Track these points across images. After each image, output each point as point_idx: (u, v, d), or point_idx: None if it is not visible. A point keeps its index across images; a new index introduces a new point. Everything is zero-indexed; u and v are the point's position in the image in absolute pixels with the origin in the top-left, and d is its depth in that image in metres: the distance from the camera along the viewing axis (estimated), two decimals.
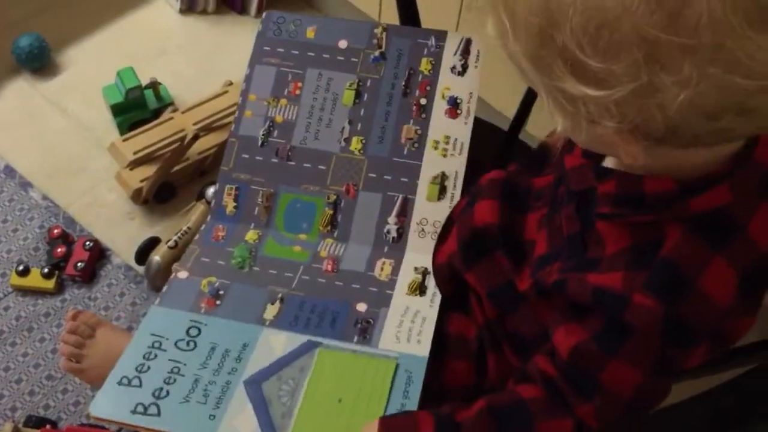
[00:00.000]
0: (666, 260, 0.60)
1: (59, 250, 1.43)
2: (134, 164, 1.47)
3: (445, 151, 0.95)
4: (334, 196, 0.95)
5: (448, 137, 0.95)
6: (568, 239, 0.70)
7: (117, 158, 1.46)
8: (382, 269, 0.92)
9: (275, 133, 0.97)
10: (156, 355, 0.81)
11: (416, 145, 0.95)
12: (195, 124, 1.48)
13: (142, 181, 1.49)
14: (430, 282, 0.90)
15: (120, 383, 0.78)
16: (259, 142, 0.97)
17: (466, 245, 0.83)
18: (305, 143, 0.96)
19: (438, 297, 0.88)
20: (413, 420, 0.71)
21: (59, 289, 1.41)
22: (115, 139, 1.48)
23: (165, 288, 0.90)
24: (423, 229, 0.93)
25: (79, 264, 1.41)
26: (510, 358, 0.80)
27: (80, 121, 1.65)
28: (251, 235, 0.95)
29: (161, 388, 0.78)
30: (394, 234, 0.94)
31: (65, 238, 1.45)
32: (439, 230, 0.91)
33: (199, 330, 0.84)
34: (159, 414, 0.76)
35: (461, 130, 0.95)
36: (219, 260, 0.93)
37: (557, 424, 0.67)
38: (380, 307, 0.88)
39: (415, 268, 0.91)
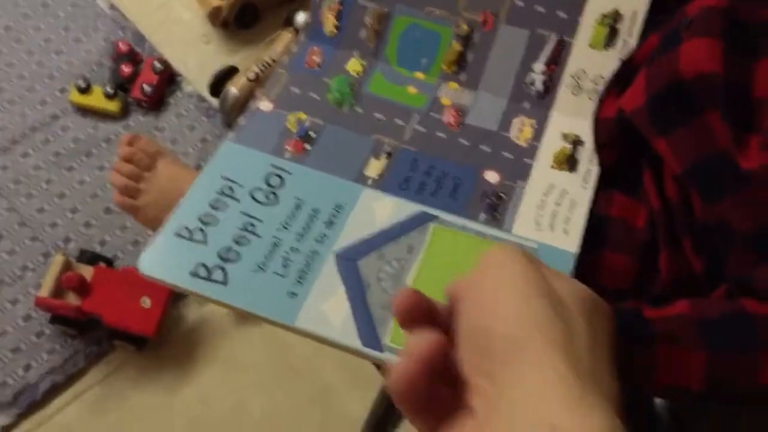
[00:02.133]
0: None
1: (125, 68, 1.26)
2: None
3: None
4: (466, 28, 0.74)
5: None
6: None
7: None
8: (520, 131, 0.72)
9: None
10: (227, 205, 0.65)
11: None
12: None
13: None
14: (583, 155, 0.69)
15: (179, 235, 0.62)
16: None
17: (661, 100, 0.61)
18: None
19: (593, 175, 0.68)
20: None
21: (123, 112, 1.26)
22: None
23: (242, 120, 0.72)
24: (578, 84, 0.72)
25: (146, 87, 1.24)
26: (692, 258, 0.61)
27: None
28: (354, 65, 0.76)
29: (230, 248, 0.62)
30: (539, 86, 0.73)
31: (133, 56, 1.28)
32: (600, 88, 0.70)
33: (282, 180, 0.67)
34: (225, 282, 0.60)
35: None
36: (312, 92, 0.74)
37: None
38: (516, 179, 0.69)
39: (564, 135, 0.71)
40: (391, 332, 0.58)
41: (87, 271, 1.08)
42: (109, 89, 1.24)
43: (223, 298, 0.59)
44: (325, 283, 0.60)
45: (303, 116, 0.72)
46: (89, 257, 1.12)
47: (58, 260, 1.07)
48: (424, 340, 0.36)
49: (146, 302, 1.06)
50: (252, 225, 0.63)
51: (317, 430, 1.07)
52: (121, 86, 1.26)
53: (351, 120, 0.73)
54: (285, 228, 0.63)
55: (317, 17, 0.77)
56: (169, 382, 1.09)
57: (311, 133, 0.71)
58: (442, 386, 0.36)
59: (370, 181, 0.68)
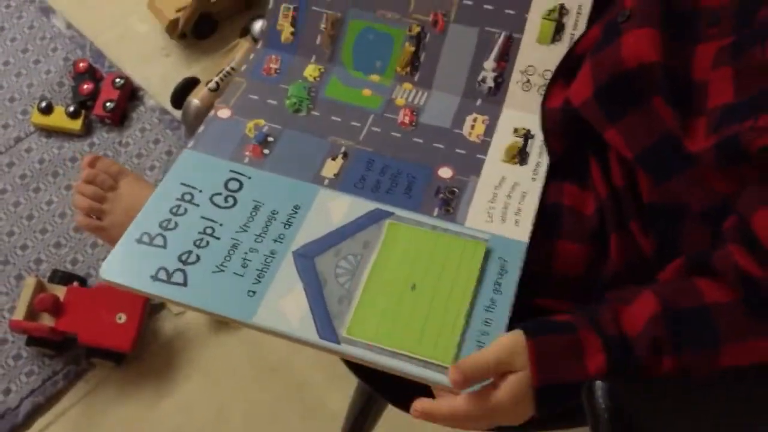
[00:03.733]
0: None
1: (86, 86, 1.26)
2: None
3: None
4: (418, 28, 0.76)
5: None
6: None
7: None
8: (472, 127, 0.74)
9: None
10: (186, 210, 0.66)
11: None
12: None
13: (178, 11, 1.31)
14: (533, 149, 0.72)
15: (140, 241, 0.64)
16: None
17: (608, 91, 0.63)
18: None
19: (543, 167, 0.70)
20: (575, 341, 0.53)
21: (87, 130, 1.27)
22: None
23: (201, 128, 0.74)
24: (528, 80, 0.74)
25: (108, 104, 1.25)
26: (641, 241, 0.63)
27: None
28: (311, 71, 0.77)
29: (190, 252, 0.63)
30: (490, 83, 0.75)
31: (92, 74, 1.29)
32: (548, 82, 0.72)
33: (241, 184, 0.69)
34: (185, 283, 0.61)
35: None
36: (270, 99, 0.76)
37: (752, 347, 0.50)
38: (469, 174, 0.71)
39: (515, 129, 0.73)
40: (348, 324, 0.60)
41: (60, 291, 1.08)
42: (71, 108, 1.24)
43: (183, 300, 0.61)
44: (283, 280, 0.62)
45: (261, 122, 0.74)
46: (61, 277, 1.12)
47: (30, 282, 1.08)
48: None
49: (121, 318, 1.07)
50: (211, 228, 0.65)
51: (299, 425, 1.09)
52: (83, 104, 1.26)
53: (308, 123, 0.75)
54: (244, 230, 0.65)
55: (274, 25, 0.79)
56: (150, 395, 1.10)
57: (269, 138, 0.73)
58: None
59: (326, 182, 0.70)
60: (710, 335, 0.51)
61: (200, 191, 0.67)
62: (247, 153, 0.71)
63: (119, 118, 1.27)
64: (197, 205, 0.66)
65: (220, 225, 0.65)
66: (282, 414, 1.10)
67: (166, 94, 1.27)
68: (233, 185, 0.69)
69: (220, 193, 0.68)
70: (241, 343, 1.14)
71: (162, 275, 0.61)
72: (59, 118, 1.25)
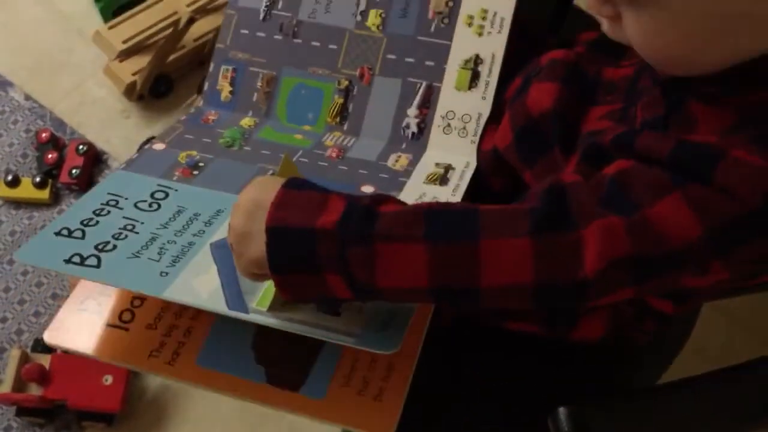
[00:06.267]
0: None
1: (50, 156, 1.29)
2: (124, 55, 1.31)
3: (482, 28, 0.79)
4: (346, 82, 0.82)
5: (485, 11, 0.79)
6: (642, 125, 0.58)
7: (104, 49, 1.29)
8: (396, 161, 0.79)
9: (280, 4, 0.84)
10: (109, 212, 0.67)
11: (446, 20, 0.80)
12: (189, 5, 1.30)
13: (134, 73, 1.34)
14: (454, 175, 0.77)
15: (58, 234, 0.64)
16: (261, 16, 0.84)
17: (522, 138, 0.69)
18: (314, 17, 0.83)
19: (462, 189, 0.76)
20: (323, 200, 0.53)
21: (55, 199, 1.29)
22: (100, 27, 1.31)
23: (135, 155, 0.77)
24: (449, 124, 0.80)
25: (74, 171, 1.27)
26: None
27: (56, 8, 1.47)
28: (247, 122, 0.83)
29: (107, 242, 0.63)
30: (414, 128, 0.81)
31: (55, 142, 1.31)
32: (467, 125, 0.78)
33: (167, 194, 0.70)
34: (98, 266, 0.61)
35: (503, 1, 0.79)
36: (205, 138, 0.80)
37: (510, 244, 0.49)
38: (391, 191, 0.75)
39: (437, 164, 0.78)
40: (258, 299, 0.59)
41: (45, 360, 1.10)
42: (37, 179, 1.26)
43: (94, 278, 0.61)
44: (198, 264, 0.62)
45: (194, 153, 0.77)
46: (44, 346, 1.14)
47: (14, 354, 1.09)
48: None
49: (108, 379, 1.09)
50: (132, 225, 0.65)
51: None
52: (49, 173, 1.28)
53: (239, 155, 0.78)
54: (164, 227, 0.66)
55: (214, 85, 0.84)
56: None
57: (200, 164, 0.75)
58: None
59: None
60: (467, 228, 0.50)
61: (126, 198, 0.68)
62: (176, 173, 0.74)
63: (86, 183, 1.29)
64: (121, 209, 0.67)
65: (141, 223, 0.66)
66: None
67: (130, 154, 1.30)
68: (159, 195, 0.70)
69: (144, 200, 0.69)
70: None
71: (76, 259, 0.61)
72: (26, 190, 1.27)
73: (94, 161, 1.32)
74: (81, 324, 0.65)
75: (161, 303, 0.66)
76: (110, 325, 0.65)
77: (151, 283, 0.60)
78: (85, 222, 0.65)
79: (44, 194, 1.27)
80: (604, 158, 0.55)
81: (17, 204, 1.28)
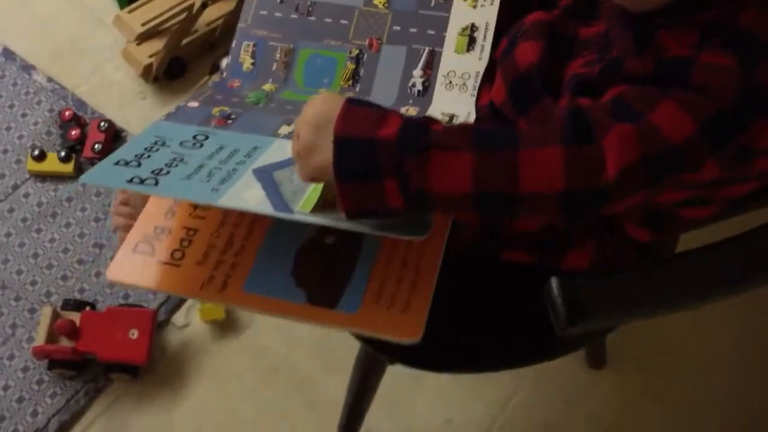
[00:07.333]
0: (742, 29, 0.59)
1: (74, 132, 1.37)
2: (142, 38, 1.40)
3: (475, 1, 0.89)
4: (357, 51, 0.91)
5: None
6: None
7: (124, 31, 1.38)
8: (406, 111, 0.89)
9: None
10: (158, 150, 0.75)
11: None
12: None
13: (150, 56, 1.42)
14: (457, 120, 0.86)
15: (117, 164, 0.71)
16: None
17: (514, 91, 0.79)
18: None
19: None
20: (380, 112, 0.61)
21: (78, 172, 1.37)
22: (119, 11, 1.40)
23: (171, 110, 0.84)
24: (450, 82, 0.89)
25: (96, 145, 1.36)
26: None
27: None
28: (269, 87, 0.92)
29: (161, 169, 0.71)
30: (419, 87, 0.90)
31: (78, 121, 1.40)
32: (466, 81, 0.88)
33: (207, 136, 0.78)
34: (156, 185, 0.69)
35: None
36: (233, 98, 0.89)
37: (545, 153, 0.58)
38: None
39: (442, 113, 0.88)
40: (301, 203, 0.68)
41: (75, 317, 1.18)
42: (62, 153, 1.35)
43: (153, 192, 0.70)
44: (244, 184, 0.70)
45: (225, 108, 0.85)
46: (74, 304, 1.22)
47: (46, 311, 1.18)
48: None
49: (134, 334, 1.17)
50: (181, 158, 0.73)
51: (306, 416, 1.21)
52: (73, 148, 1.37)
53: (265, 110, 0.86)
54: (209, 159, 0.74)
55: (237, 57, 0.93)
56: (166, 402, 1.21)
57: (232, 116, 0.83)
58: None
59: (282, 135, 0.79)
60: (512, 140, 0.59)
61: (171, 140, 0.76)
62: (212, 123, 0.82)
63: None
64: (168, 146, 0.75)
65: (189, 156, 0.74)
66: (289, 408, 1.21)
67: None
68: (200, 137, 0.78)
69: (188, 141, 0.77)
70: (242, 348, 1.25)
71: (136, 180, 0.69)
72: (52, 164, 1.35)
73: (115, 137, 1.40)
74: (136, 263, 0.73)
75: (208, 240, 0.74)
76: (163, 263, 0.73)
77: (207, 195, 0.68)
78: (138, 155, 0.74)
79: (69, 168, 1.35)
80: (593, 91, 0.65)
81: (43, 177, 1.36)
